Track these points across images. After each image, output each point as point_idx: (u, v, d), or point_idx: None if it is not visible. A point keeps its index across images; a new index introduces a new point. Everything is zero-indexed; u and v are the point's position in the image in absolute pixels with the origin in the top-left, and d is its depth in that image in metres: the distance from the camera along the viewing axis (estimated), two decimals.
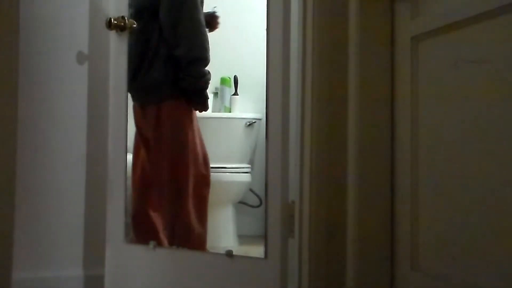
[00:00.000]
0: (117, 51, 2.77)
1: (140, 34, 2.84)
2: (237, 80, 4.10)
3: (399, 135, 2.01)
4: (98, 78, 2.98)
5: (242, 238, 3.74)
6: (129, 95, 2.86)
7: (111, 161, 2.78)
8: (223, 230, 3.68)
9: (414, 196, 1.93)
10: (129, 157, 2.85)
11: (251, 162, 3.90)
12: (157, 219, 3.00)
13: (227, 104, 4.11)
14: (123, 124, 2.75)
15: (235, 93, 4.14)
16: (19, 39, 1.63)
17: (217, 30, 3.25)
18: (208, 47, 2.92)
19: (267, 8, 2.39)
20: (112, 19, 2.71)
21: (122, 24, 2.72)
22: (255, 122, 3.86)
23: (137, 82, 2.91)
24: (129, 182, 2.92)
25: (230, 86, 4.14)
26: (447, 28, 1.79)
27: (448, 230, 1.77)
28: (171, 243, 2.94)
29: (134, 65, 2.85)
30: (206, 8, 3.06)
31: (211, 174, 3.10)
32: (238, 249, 3.42)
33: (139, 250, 2.72)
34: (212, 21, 3.11)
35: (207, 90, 3.01)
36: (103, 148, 2.87)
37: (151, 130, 3.00)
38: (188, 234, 2.96)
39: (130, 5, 2.78)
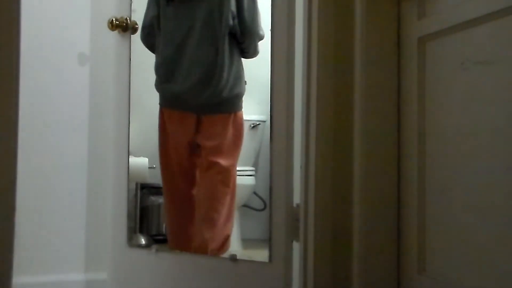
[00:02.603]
0: (119, 52, 2.77)
1: (209, 46, 2.93)
2: None
3: (406, 137, 1.99)
4: (99, 79, 2.97)
5: (246, 242, 3.72)
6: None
7: (113, 163, 2.77)
8: None
9: (421, 198, 1.91)
10: (131, 159, 2.83)
11: (255, 164, 3.87)
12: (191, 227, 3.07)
13: None
14: (126, 126, 2.74)
15: None
16: (20, 40, 1.60)
17: None
18: None
19: (271, 10, 2.39)
20: (114, 20, 2.71)
21: (125, 24, 2.72)
22: (259, 124, 3.84)
23: (210, 95, 2.96)
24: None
25: None
26: (454, 28, 1.78)
27: (456, 233, 1.76)
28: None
29: (201, 77, 2.94)
30: None
31: None
32: (242, 253, 3.39)
33: (141, 254, 2.71)
34: None
35: None
36: (104, 150, 2.86)
37: (215, 137, 3.04)
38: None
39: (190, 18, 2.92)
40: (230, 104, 3.02)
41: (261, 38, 3.01)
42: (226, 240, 3.04)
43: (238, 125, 3.06)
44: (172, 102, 3.02)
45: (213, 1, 2.95)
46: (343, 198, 2.08)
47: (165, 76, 2.99)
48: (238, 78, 3.01)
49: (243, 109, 3.08)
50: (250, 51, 3.03)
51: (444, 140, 1.83)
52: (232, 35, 2.96)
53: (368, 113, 2.02)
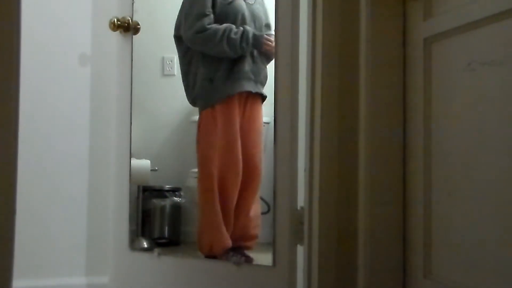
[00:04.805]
0: (121, 53, 2.76)
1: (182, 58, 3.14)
2: None
3: (412, 139, 1.98)
4: (101, 80, 2.96)
5: None
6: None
7: (115, 165, 2.75)
8: None
9: (427, 202, 1.90)
10: (133, 161, 2.82)
11: None
12: None
13: None
14: (128, 128, 2.73)
15: None
16: (20, 40, 1.59)
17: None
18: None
19: (275, 11, 2.38)
20: (116, 20, 2.70)
21: (126, 24, 2.71)
22: (263, 126, 3.82)
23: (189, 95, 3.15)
24: None
25: None
26: (460, 29, 1.77)
27: (462, 237, 1.74)
28: None
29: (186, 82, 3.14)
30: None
31: None
32: None
33: (143, 258, 2.70)
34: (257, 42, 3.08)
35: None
36: (106, 152, 2.84)
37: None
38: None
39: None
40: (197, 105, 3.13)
41: (186, 38, 3.03)
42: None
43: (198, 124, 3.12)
44: None
45: None
46: (347, 201, 2.07)
47: None
48: (198, 79, 3.06)
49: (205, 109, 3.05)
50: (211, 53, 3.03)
51: (451, 142, 1.81)
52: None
53: (373, 115, 2.01)
